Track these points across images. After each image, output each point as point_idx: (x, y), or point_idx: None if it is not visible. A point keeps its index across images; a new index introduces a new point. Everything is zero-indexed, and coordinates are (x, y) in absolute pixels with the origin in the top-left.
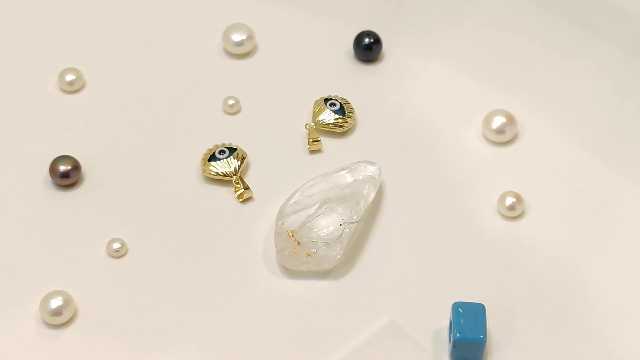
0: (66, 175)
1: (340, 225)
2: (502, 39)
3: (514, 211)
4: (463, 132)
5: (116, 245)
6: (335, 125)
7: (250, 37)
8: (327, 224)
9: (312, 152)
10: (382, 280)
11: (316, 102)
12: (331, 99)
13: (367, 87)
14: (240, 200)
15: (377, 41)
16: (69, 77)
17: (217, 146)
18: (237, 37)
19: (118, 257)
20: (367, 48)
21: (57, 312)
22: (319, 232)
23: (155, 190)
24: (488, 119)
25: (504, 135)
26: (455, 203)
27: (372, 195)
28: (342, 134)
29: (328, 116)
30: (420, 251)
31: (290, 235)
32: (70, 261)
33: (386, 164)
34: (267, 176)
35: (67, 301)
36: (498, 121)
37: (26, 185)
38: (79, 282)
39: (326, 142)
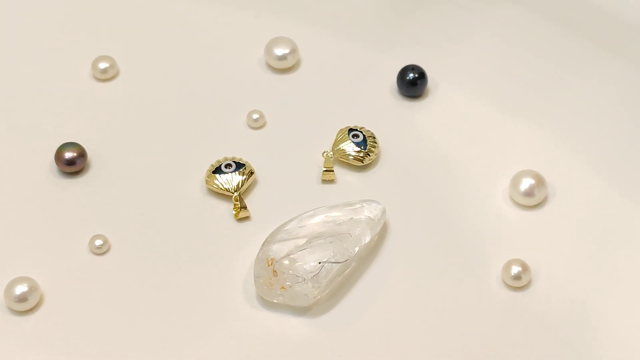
0: (71, 162)
1: (320, 263)
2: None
3: (519, 281)
4: (490, 189)
5: (98, 242)
6: (355, 158)
7: (293, 52)
8: (311, 260)
9: (323, 181)
10: (359, 329)
11: (341, 130)
12: (356, 129)
13: (400, 123)
14: (237, 218)
15: (421, 75)
16: (103, 65)
17: (225, 159)
18: (280, 50)
19: (99, 254)
20: (412, 83)
21: (22, 299)
22: (299, 266)
23: (155, 192)
24: (516, 180)
25: (533, 199)
26: (460, 263)
27: (367, 238)
28: (362, 168)
29: (349, 147)
30: (410, 306)
31: (269, 263)
32: (51, 250)
33: (398, 206)
34: (272, 198)
35: (33, 288)
36: (527, 183)
37: (32, 170)
38: (55, 272)
39: (342, 174)
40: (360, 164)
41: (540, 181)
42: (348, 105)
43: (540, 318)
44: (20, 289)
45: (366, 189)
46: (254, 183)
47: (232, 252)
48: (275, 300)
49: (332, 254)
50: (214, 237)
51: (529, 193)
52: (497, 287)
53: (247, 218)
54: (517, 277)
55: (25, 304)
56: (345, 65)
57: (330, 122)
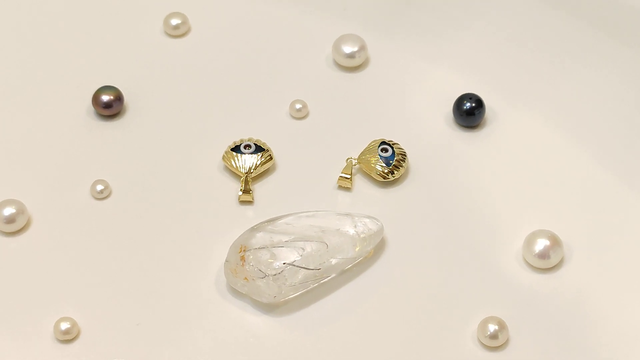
0: (108, 105)
1: (284, 264)
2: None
3: (495, 340)
4: (505, 251)
5: (99, 187)
6: (378, 174)
7: (362, 49)
8: (282, 258)
9: (339, 187)
10: (316, 342)
11: (374, 140)
12: (388, 144)
13: (443, 147)
14: (239, 200)
15: (479, 104)
16: (175, 21)
17: (250, 139)
18: (348, 48)
19: (99, 199)
20: (468, 113)
21: (10, 220)
22: (264, 261)
23: (176, 154)
24: (530, 241)
25: (548, 261)
26: (442, 306)
27: (350, 253)
28: (384, 182)
29: (374, 159)
30: (374, 333)
31: (241, 249)
32: (56, 185)
33: (405, 228)
34: (283, 189)
35: (20, 210)
36: (541, 244)
37: (70, 113)
38: (52, 206)
39: (363, 183)
40: (381, 179)
41: (555, 241)
42: (396, 118)
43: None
44: (9, 210)
45: (379, 203)
46: (271, 170)
47: (221, 231)
48: (241, 290)
49: (299, 258)
50: (211, 212)
51: (543, 255)
52: (473, 346)
53: (249, 202)
54: (494, 336)
55: (13, 225)
56: (407, 78)
57: (373, 131)
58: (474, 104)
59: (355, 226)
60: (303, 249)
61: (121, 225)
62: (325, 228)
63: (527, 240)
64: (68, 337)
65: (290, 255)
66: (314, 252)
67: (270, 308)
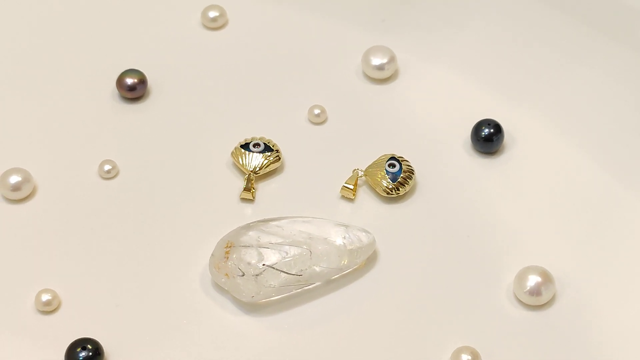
0: (132, 88)
1: (263, 265)
2: None
3: None
4: (496, 285)
5: (107, 167)
6: (384, 189)
7: (391, 61)
8: (263, 260)
9: (341, 196)
10: (291, 345)
11: (385, 154)
12: (397, 159)
13: (458, 168)
14: (240, 197)
15: (498, 130)
16: (213, 14)
17: (262, 139)
18: (376, 60)
19: (106, 179)
20: (487, 139)
21: (16, 188)
22: (248, 260)
23: (189, 143)
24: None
25: (540, 298)
26: (418, 329)
27: (335, 263)
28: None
29: (381, 174)
30: (348, 343)
31: (227, 245)
32: (68, 163)
33: (399, 243)
34: (286, 192)
35: (26, 179)
36: (533, 280)
37: (95, 94)
38: (62, 182)
39: (367, 195)
40: (385, 195)
41: (547, 278)
42: (413, 134)
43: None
44: (15, 178)
45: (379, 217)
46: (279, 171)
47: (217, 225)
48: (223, 287)
49: (281, 261)
50: (211, 206)
51: (534, 291)
52: None
53: (249, 200)
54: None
55: (19, 193)
56: (433, 95)
57: (387, 144)
58: (492, 130)
59: (344, 237)
60: (287, 252)
61: (121, 206)
62: (313, 235)
63: (518, 276)
64: (48, 308)
65: (273, 257)
66: (296, 258)
67: (251, 307)
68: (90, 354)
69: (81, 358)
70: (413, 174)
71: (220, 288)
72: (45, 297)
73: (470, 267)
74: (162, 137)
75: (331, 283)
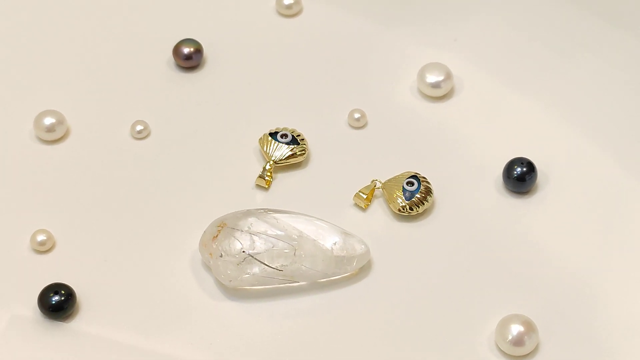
0: (189, 57)
1: (243, 252)
2: None
3: None
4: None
5: (139, 127)
6: (397, 208)
7: (447, 78)
8: (249, 247)
9: (354, 203)
10: (265, 334)
11: (408, 171)
12: (417, 178)
13: (477, 199)
14: (255, 183)
15: (531, 169)
16: (288, 1)
17: (293, 131)
18: (432, 78)
19: (137, 139)
20: (519, 179)
21: (51, 129)
22: (234, 244)
23: (227, 120)
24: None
25: (522, 349)
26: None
27: (319, 267)
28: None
29: (398, 191)
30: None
31: (219, 225)
32: (99, 121)
33: (399, 268)
34: (302, 187)
35: (60, 121)
36: (515, 329)
37: (151, 64)
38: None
39: (380, 208)
40: (397, 212)
41: (530, 327)
42: (446, 158)
43: None
44: (49, 120)
45: (385, 231)
46: (302, 165)
47: (224, 205)
48: (206, 263)
49: (263, 252)
50: (226, 185)
51: (517, 342)
52: None
53: (263, 188)
54: None
55: (53, 134)
56: (482, 120)
57: (417, 162)
58: (524, 169)
59: (335, 243)
60: (273, 245)
61: (142, 168)
62: (304, 235)
63: (500, 325)
64: (42, 248)
65: (257, 247)
66: (280, 252)
67: (230, 291)
68: (63, 298)
69: (53, 302)
70: (431, 195)
71: (209, 273)
72: (40, 237)
73: (460, 304)
74: (201, 110)
75: (317, 285)
